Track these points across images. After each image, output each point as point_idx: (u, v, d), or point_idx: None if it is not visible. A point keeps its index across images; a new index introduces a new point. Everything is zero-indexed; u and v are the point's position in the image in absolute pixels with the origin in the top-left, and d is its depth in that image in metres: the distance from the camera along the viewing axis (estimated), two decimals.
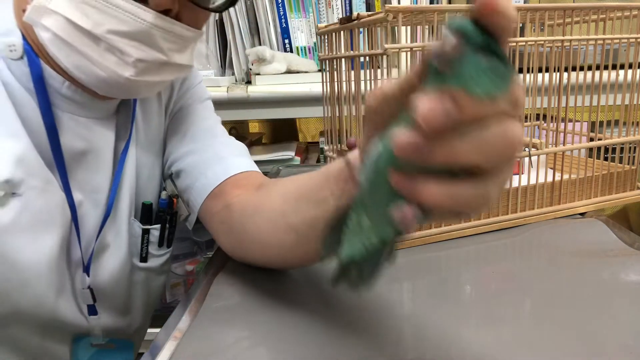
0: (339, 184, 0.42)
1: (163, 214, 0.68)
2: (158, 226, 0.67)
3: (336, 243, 0.33)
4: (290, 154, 1.38)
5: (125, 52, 0.48)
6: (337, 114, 0.75)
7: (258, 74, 1.28)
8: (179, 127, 0.68)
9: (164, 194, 0.68)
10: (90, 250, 0.59)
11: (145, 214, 0.66)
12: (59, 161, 0.55)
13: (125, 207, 0.63)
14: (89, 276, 0.59)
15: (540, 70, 0.68)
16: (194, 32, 0.53)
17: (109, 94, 0.54)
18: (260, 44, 1.39)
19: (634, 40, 0.72)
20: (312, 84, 1.24)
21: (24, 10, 0.50)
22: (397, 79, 0.29)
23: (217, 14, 1.37)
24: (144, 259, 0.66)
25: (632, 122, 0.76)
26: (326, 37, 0.74)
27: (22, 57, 0.52)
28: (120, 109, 0.62)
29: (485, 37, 0.24)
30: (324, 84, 0.77)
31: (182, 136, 0.67)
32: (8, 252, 0.50)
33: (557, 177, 0.72)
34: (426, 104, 0.24)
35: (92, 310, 0.61)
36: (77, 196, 0.57)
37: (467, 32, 0.24)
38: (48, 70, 0.53)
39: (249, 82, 1.35)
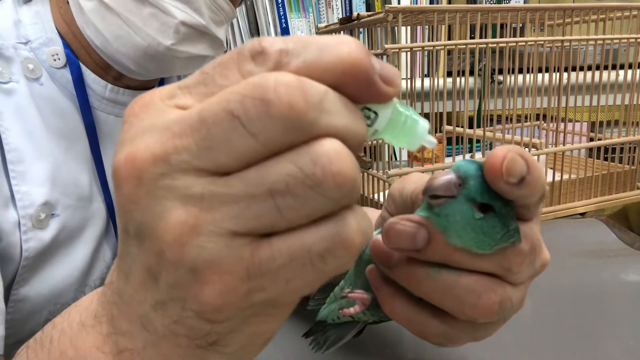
0: None
1: None
2: None
3: (321, 301, 0.35)
4: None
5: (170, 12, 0.49)
6: None
7: None
8: None
9: None
10: None
11: None
12: (98, 162, 0.55)
13: None
14: None
15: (540, 70, 0.68)
16: (231, 8, 0.55)
17: (145, 72, 0.54)
18: None
19: (634, 40, 0.72)
20: None
21: (60, 12, 0.51)
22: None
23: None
24: None
25: (632, 122, 0.76)
26: None
27: (65, 65, 0.53)
28: None
29: (487, 193, 0.23)
30: None
31: None
32: (45, 269, 0.50)
33: (557, 177, 0.72)
34: (397, 225, 0.23)
35: None
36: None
37: (469, 179, 0.23)
38: (91, 76, 0.54)
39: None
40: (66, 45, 0.53)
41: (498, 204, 0.23)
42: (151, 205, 0.17)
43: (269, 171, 0.16)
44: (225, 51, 1.51)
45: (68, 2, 0.52)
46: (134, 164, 0.17)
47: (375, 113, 0.19)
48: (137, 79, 0.56)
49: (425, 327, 0.26)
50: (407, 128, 0.19)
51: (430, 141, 0.20)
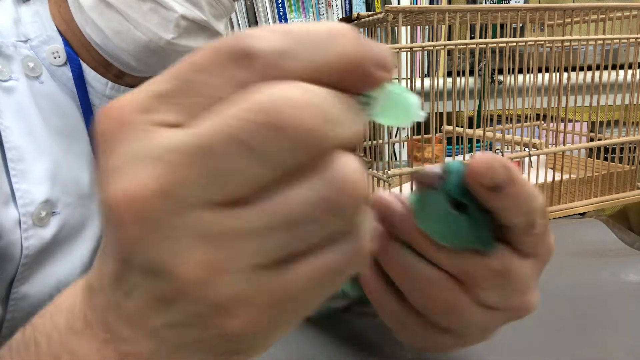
0: None
1: None
2: None
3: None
4: None
5: (170, 7, 0.49)
6: None
7: None
8: None
9: None
10: None
11: None
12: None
13: None
14: None
15: (540, 70, 0.68)
16: (230, 2, 0.55)
17: (146, 68, 0.54)
18: None
19: (634, 40, 0.72)
20: None
21: (59, 10, 0.51)
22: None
23: None
24: None
25: (632, 122, 0.76)
26: None
27: (65, 63, 0.53)
28: None
29: (465, 193, 0.24)
30: None
31: None
32: (46, 267, 0.51)
33: (557, 177, 0.72)
34: (383, 199, 0.26)
35: None
36: None
37: (451, 175, 0.24)
38: (91, 74, 0.54)
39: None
40: (66, 43, 0.53)
41: (473, 206, 0.24)
42: (163, 246, 0.15)
43: (285, 200, 0.15)
44: None
45: (67, 1, 0.52)
46: (133, 204, 0.15)
47: (369, 97, 0.18)
48: (138, 75, 0.56)
49: (395, 314, 0.28)
50: (400, 106, 0.19)
51: (421, 115, 0.20)
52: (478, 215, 0.24)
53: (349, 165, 0.15)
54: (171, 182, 0.15)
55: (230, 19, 1.37)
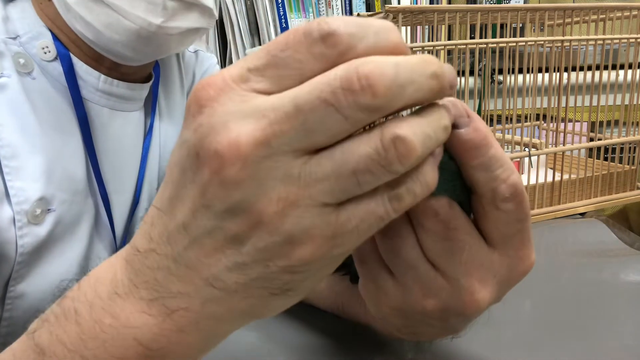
0: None
1: None
2: None
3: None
4: None
5: None
6: None
7: None
8: None
9: None
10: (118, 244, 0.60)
11: None
12: (92, 155, 0.55)
13: (145, 199, 0.63)
14: None
15: (540, 70, 0.68)
16: None
17: (142, 56, 0.54)
18: (260, 44, 1.39)
19: (634, 40, 0.72)
20: None
21: (41, 7, 0.50)
22: None
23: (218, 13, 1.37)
24: None
25: (632, 122, 0.76)
26: None
27: (56, 58, 0.52)
28: (146, 103, 0.63)
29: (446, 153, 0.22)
30: None
31: None
32: (42, 264, 0.50)
33: (557, 177, 0.73)
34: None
35: None
36: (109, 189, 0.57)
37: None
38: (83, 67, 0.54)
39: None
40: (55, 38, 0.53)
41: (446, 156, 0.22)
42: (253, 186, 0.19)
43: (352, 152, 0.19)
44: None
45: None
46: (239, 149, 0.18)
47: None
48: (135, 65, 0.56)
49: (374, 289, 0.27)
50: None
51: None
52: (446, 158, 0.22)
53: (404, 131, 0.19)
54: (270, 133, 0.18)
55: (230, 19, 1.37)
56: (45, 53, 0.52)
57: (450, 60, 0.63)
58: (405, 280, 0.26)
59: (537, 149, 0.70)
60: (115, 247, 0.59)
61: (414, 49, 0.59)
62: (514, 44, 0.65)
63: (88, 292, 0.24)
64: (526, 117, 0.85)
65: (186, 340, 0.22)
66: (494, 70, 0.89)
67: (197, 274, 0.21)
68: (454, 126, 0.22)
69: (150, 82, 0.62)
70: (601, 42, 0.70)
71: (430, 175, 0.21)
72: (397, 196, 0.20)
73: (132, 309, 0.22)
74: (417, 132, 0.19)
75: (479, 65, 1.16)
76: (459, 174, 0.23)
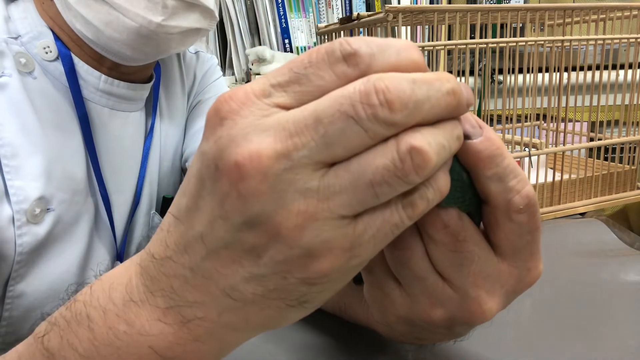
0: None
1: None
2: None
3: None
4: None
5: None
6: None
7: (258, 74, 1.28)
8: (196, 122, 0.69)
9: None
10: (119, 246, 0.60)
11: (166, 207, 0.66)
12: (92, 155, 0.55)
13: (146, 199, 0.63)
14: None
15: (540, 70, 0.68)
16: None
17: (142, 56, 0.54)
18: (260, 44, 1.39)
19: (634, 40, 0.72)
20: None
21: (43, 7, 0.50)
22: None
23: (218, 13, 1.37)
24: None
25: (632, 122, 0.76)
26: (326, 37, 0.74)
27: (57, 58, 0.53)
28: (147, 103, 0.63)
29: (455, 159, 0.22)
30: None
31: (198, 131, 0.67)
32: (41, 264, 0.50)
33: (557, 177, 0.73)
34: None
35: None
36: (109, 188, 0.57)
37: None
38: (84, 67, 0.54)
39: (249, 82, 1.35)
40: (56, 37, 0.53)
41: (453, 160, 0.22)
42: (273, 198, 0.19)
43: (368, 164, 0.19)
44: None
45: None
46: (260, 161, 0.19)
47: None
48: (135, 65, 0.55)
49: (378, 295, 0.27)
50: None
51: None
52: (457, 168, 0.22)
53: (419, 142, 0.19)
54: (290, 145, 0.19)
55: (230, 19, 1.37)
56: (47, 53, 0.52)
57: (450, 60, 0.63)
58: (412, 290, 0.26)
59: (537, 149, 0.70)
60: (115, 247, 0.59)
61: None
62: (514, 44, 0.65)
63: (101, 297, 0.24)
64: (526, 117, 0.85)
65: (201, 349, 0.22)
66: (494, 70, 0.89)
67: (214, 284, 0.21)
68: (466, 137, 0.22)
69: (151, 83, 0.62)
70: (601, 42, 0.70)
71: (442, 181, 0.21)
72: (411, 203, 0.20)
73: (148, 316, 0.22)
74: (432, 142, 0.19)
75: (479, 65, 1.16)
76: (468, 184, 0.23)
